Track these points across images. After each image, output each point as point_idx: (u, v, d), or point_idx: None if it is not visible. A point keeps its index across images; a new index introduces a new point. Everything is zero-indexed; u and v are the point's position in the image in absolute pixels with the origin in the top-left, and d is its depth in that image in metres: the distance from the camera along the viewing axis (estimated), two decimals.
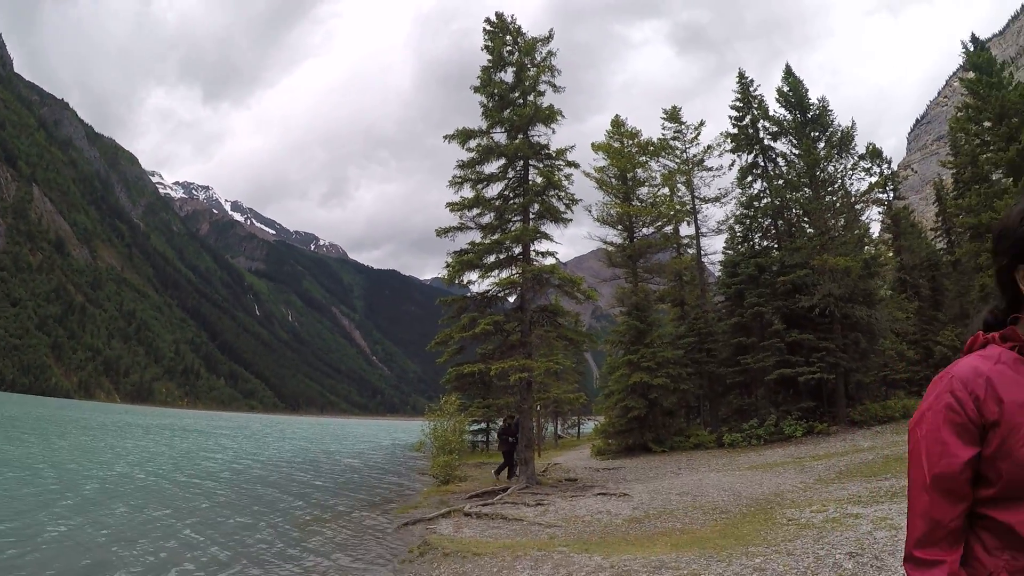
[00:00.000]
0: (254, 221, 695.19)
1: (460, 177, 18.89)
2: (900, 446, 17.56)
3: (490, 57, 19.38)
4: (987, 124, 31.37)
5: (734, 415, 27.69)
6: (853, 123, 28.52)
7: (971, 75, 32.27)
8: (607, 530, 10.60)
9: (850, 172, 27.98)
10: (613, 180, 30.36)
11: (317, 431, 76.68)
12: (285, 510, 14.07)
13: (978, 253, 29.15)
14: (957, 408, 1.36)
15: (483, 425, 31.74)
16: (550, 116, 18.83)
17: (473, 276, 18.48)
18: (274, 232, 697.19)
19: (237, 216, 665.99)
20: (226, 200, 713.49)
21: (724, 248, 31.33)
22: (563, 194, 18.66)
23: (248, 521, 12.46)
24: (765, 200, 29.04)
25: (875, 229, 35.57)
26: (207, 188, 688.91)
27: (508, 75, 19.47)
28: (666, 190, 31.23)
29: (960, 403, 1.36)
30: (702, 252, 31.47)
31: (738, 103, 30.49)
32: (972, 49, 32.97)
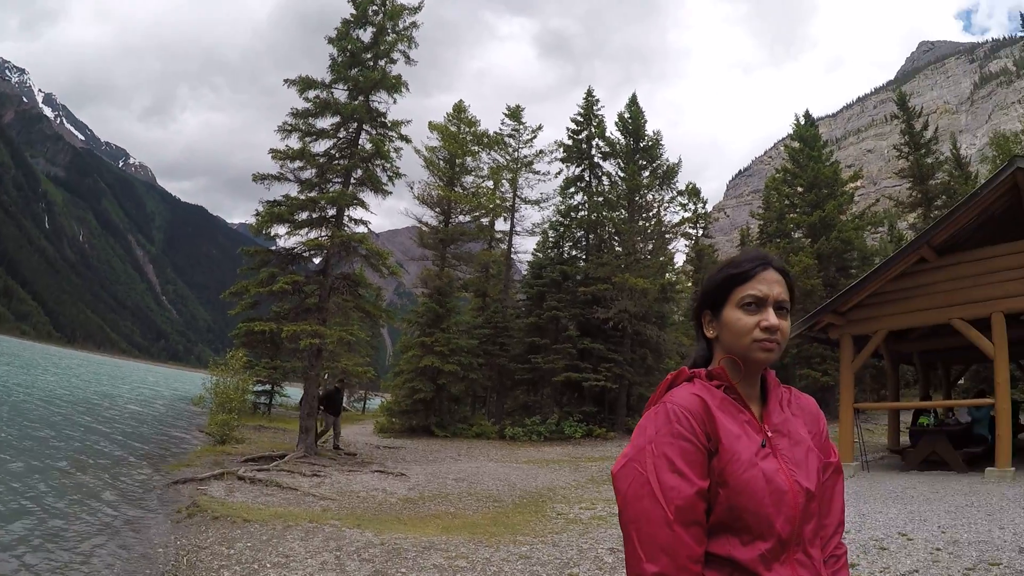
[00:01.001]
0: (65, 121, 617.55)
1: (290, 125, 17.85)
2: None
3: (354, 11, 18.50)
4: (799, 189, 35.07)
5: (519, 410, 28.55)
6: (680, 161, 30.73)
7: (796, 144, 35.95)
8: (381, 508, 10.53)
9: (667, 204, 30.06)
10: (441, 162, 30.51)
11: (95, 370, 70.18)
12: (53, 455, 12.64)
13: None
14: (687, 435, 1.33)
15: (268, 387, 30.44)
16: (395, 86, 18.34)
17: (282, 230, 17.56)
18: (83, 139, 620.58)
19: (48, 111, 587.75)
20: (40, 91, 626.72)
21: (534, 250, 32.10)
22: (389, 165, 18.27)
23: (16, 466, 11.06)
24: (583, 213, 30.30)
25: (680, 260, 38.29)
26: (23, 72, 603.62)
27: (367, 34, 18.68)
28: (490, 183, 31.94)
29: (689, 430, 1.34)
30: (513, 249, 32.39)
31: (579, 117, 31.37)
32: (803, 123, 36.73)
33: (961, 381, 25.40)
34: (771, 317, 1.40)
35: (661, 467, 1.32)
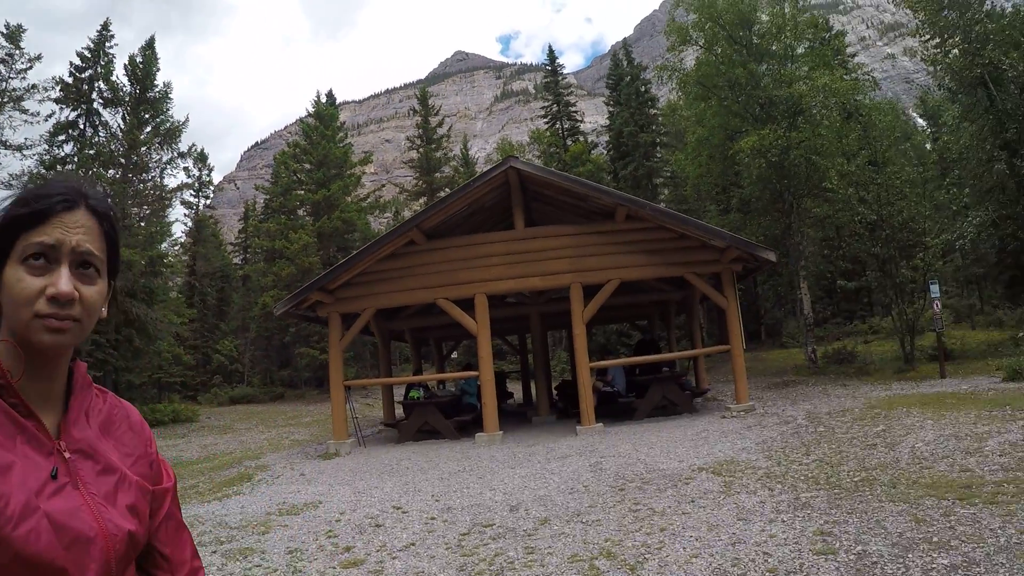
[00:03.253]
0: None
1: None
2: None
3: None
4: (307, 166, 35.07)
5: None
6: (188, 119, 28.07)
7: (312, 121, 35.82)
8: None
9: (165, 165, 26.90)
10: None
11: None
12: None
13: (265, 274, 31.84)
14: None
15: None
16: None
17: None
18: None
19: None
20: None
21: None
22: None
23: None
24: (70, 167, 25.32)
25: (178, 230, 35.36)
26: None
27: None
28: None
29: None
30: None
31: (87, 52, 26.78)
32: (323, 101, 36.76)
33: (455, 355, 28.55)
34: (61, 281, 0.95)
35: None
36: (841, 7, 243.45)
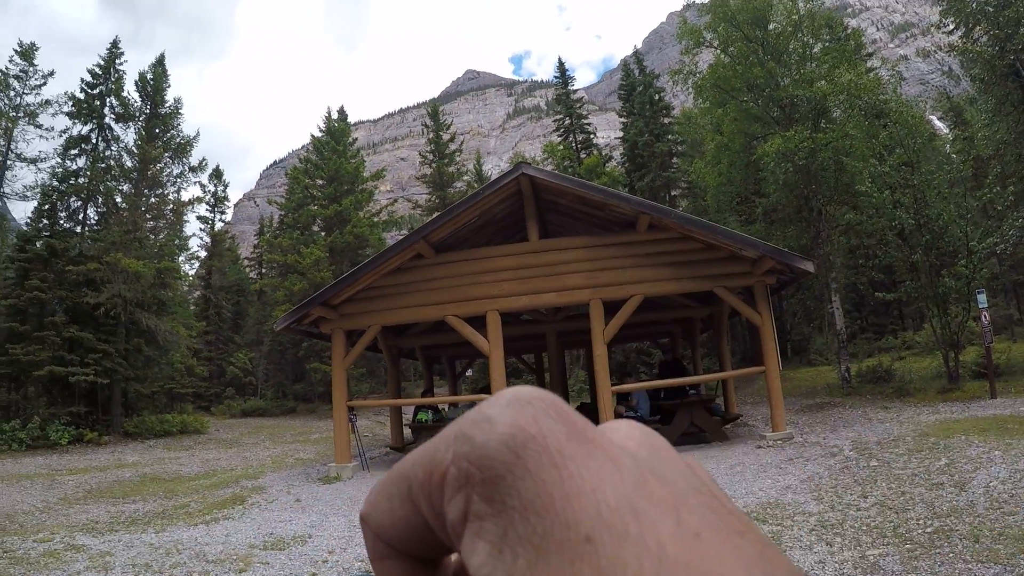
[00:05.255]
0: None
1: None
2: (165, 464, 16.57)
3: None
4: (319, 181, 34.90)
5: (1, 411, 22.74)
6: (198, 134, 28.71)
7: (324, 137, 35.84)
8: None
9: (176, 179, 26.91)
10: None
11: None
12: None
13: (278, 288, 31.52)
14: None
15: None
16: None
17: None
18: None
19: None
20: None
21: (29, 219, 26.58)
22: None
23: None
24: (83, 180, 25.38)
25: (196, 245, 35.49)
26: None
27: None
28: None
29: None
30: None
31: (98, 69, 27.02)
32: (335, 116, 36.74)
33: (469, 373, 27.80)
34: None
35: None
36: (849, 10, 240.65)
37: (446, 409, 14.84)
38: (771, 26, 19.40)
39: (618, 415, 12.20)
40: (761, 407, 17.25)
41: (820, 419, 13.05)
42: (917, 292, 16.63)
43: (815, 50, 19.47)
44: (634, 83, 37.96)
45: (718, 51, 20.29)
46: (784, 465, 8.67)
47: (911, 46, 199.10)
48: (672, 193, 35.31)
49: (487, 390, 13.63)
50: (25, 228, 25.78)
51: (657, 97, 36.32)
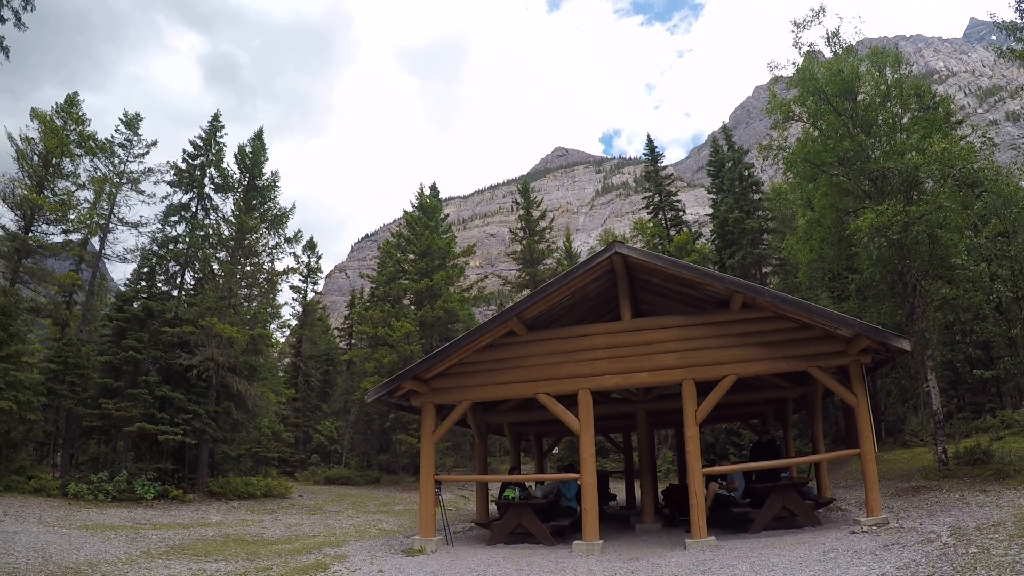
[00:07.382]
0: None
1: None
2: (248, 525, 16.74)
3: None
4: (411, 256, 36.04)
5: (90, 463, 23.97)
6: (294, 206, 29.72)
7: (415, 213, 37.21)
8: None
9: (271, 250, 28.35)
10: (36, 158, 24.64)
11: None
12: None
13: (368, 359, 32.27)
14: None
15: None
16: None
17: None
18: None
19: None
20: None
21: (128, 280, 27.80)
22: None
23: None
24: (181, 246, 27.00)
25: (287, 312, 36.83)
26: None
27: None
28: (89, 195, 26.52)
29: None
30: (102, 276, 28.05)
31: (199, 141, 28.93)
32: (426, 192, 38.31)
33: (556, 451, 27.51)
34: None
35: None
36: (936, 76, 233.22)
37: (533, 487, 14.75)
38: (860, 97, 19.18)
39: (713, 492, 11.85)
40: (854, 490, 16.50)
41: (916, 503, 12.33)
42: (1016, 368, 15.62)
43: (904, 120, 19.08)
44: (723, 159, 37.97)
45: (807, 124, 20.15)
46: (879, 552, 8.22)
47: (1000, 110, 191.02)
48: (763, 270, 34.70)
49: (573, 468, 13.50)
50: (124, 289, 26.95)
51: (746, 173, 36.18)
